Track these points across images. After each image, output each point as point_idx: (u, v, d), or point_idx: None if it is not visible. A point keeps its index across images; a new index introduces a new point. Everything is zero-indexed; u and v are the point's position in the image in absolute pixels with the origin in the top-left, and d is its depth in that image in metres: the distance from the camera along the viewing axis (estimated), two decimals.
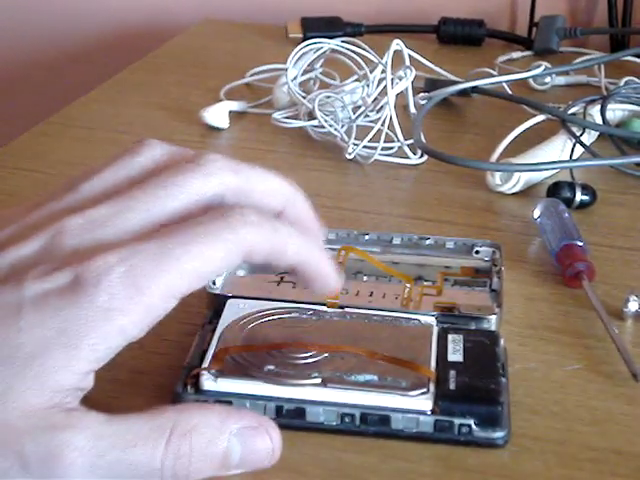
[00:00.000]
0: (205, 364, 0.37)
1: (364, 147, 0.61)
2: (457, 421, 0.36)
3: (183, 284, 0.32)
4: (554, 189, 0.56)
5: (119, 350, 0.32)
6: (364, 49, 0.66)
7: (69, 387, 0.31)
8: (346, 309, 0.41)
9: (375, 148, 0.61)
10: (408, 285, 0.45)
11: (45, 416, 0.30)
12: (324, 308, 0.41)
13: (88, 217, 0.33)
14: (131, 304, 0.31)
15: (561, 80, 0.76)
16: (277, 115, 0.66)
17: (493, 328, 0.41)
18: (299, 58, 0.67)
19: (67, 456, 0.30)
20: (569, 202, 0.54)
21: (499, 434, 0.36)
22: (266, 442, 0.33)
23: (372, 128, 0.61)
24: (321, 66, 0.70)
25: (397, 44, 0.64)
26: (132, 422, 0.31)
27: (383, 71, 0.63)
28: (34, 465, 0.30)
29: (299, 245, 0.35)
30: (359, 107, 0.65)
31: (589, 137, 0.62)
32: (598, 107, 0.64)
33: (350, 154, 0.61)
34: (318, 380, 0.37)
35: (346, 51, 0.66)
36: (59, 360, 0.31)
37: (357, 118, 0.64)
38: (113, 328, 0.31)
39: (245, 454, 0.33)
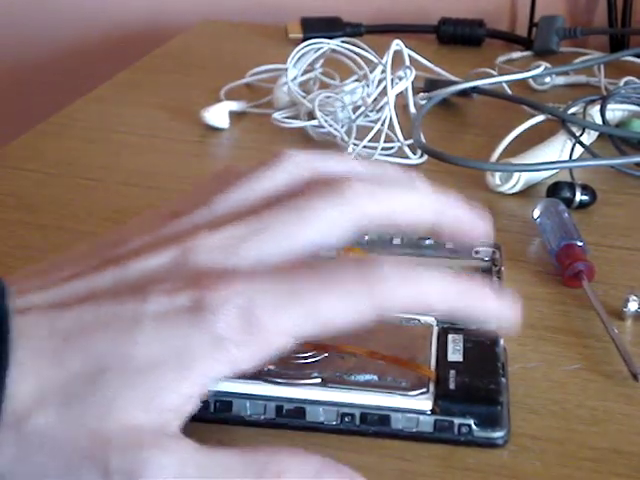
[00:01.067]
0: None
1: (364, 147, 0.61)
2: (457, 421, 0.36)
3: (303, 327, 0.31)
4: (554, 189, 0.56)
5: (225, 378, 0.31)
6: (364, 49, 0.66)
7: (172, 408, 0.30)
8: None
9: (375, 148, 0.61)
10: None
11: (139, 434, 0.30)
12: None
13: (222, 235, 0.33)
14: (246, 338, 0.30)
15: (561, 80, 0.76)
16: (277, 115, 0.66)
17: (493, 328, 0.41)
18: (299, 58, 0.68)
19: (150, 476, 0.29)
20: (569, 202, 0.54)
21: (499, 434, 0.36)
22: None
23: (372, 128, 0.61)
24: (321, 66, 0.70)
25: (397, 44, 0.64)
26: (222, 455, 0.30)
27: (383, 71, 0.63)
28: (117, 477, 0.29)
29: (442, 293, 0.33)
30: (359, 107, 0.65)
31: (589, 137, 0.62)
32: (598, 107, 0.64)
33: (350, 154, 0.61)
34: (318, 380, 0.37)
35: (346, 51, 0.66)
36: (168, 380, 0.30)
37: (357, 118, 0.64)
38: (225, 358, 0.30)
39: None
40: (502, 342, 0.40)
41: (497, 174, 0.57)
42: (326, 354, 0.38)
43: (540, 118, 0.63)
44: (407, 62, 0.64)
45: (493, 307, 0.33)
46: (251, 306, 0.31)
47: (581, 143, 0.60)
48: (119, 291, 0.32)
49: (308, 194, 0.34)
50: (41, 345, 0.30)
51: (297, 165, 0.35)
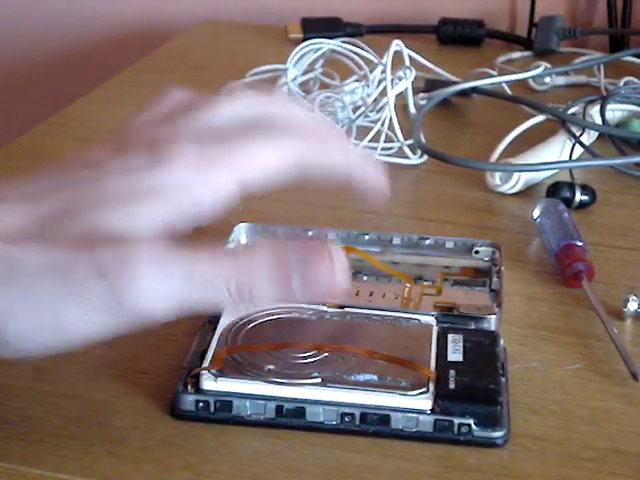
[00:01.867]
0: (205, 364, 0.37)
1: (364, 147, 0.61)
2: (457, 421, 0.36)
3: (247, 171, 0.35)
4: (554, 189, 0.56)
5: (189, 219, 0.34)
6: (364, 49, 0.66)
7: (148, 229, 0.33)
8: (346, 309, 0.41)
9: (375, 148, 0.61)
10: (408, 285, 0.45)
11: (122, 236, 0.33)
12: (324, 308, 0.41)
13: (148, 138, 0.36)
14: (204, 178, 0.34)
15: (561, 80, 0.76)
16: None
17: (493, 328, 0.41)
18: (299, 58, 0.68)
19: (137, 259, 0.32)
20: (569, 202, 0.54)
21: (498, 434, 0.36)
22: (326, 261, 0.33)
23: (372, 128, 0.61)
24: (321, 66, 0.70)
25: (397, 44, 0.64)
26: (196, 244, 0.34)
27: (383, 71, 0.63)
28: (108, 269, 0.32)
29: (345, 150, 0.39)
30: (359, 107, 0.65)
31: (589, 137, 0.62)
32: (598, 107, 0.64)
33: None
34: (318, 380, 0.37)
35: (346, 51, 0.66)
36: (147, 205, 0.33)
37: (357, 118, 0.64)
38: (188, 197, 0.34)
39: (306, 275, 0.33)
40: (502, 342, 0.40)
41: (497, 174, 0.57)
42: (326, 354, 0.38)
43: (540, 118, 0.63)
44: (407, 62, 0.64)
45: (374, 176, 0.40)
46: (204, 153, 0.35)
47: (581, 143, 0.60)
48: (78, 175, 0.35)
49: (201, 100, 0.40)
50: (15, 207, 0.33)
51: (184, 93, 0.41)
